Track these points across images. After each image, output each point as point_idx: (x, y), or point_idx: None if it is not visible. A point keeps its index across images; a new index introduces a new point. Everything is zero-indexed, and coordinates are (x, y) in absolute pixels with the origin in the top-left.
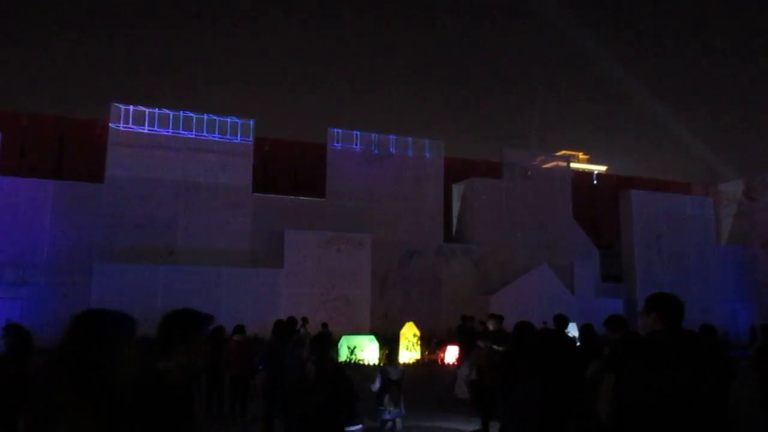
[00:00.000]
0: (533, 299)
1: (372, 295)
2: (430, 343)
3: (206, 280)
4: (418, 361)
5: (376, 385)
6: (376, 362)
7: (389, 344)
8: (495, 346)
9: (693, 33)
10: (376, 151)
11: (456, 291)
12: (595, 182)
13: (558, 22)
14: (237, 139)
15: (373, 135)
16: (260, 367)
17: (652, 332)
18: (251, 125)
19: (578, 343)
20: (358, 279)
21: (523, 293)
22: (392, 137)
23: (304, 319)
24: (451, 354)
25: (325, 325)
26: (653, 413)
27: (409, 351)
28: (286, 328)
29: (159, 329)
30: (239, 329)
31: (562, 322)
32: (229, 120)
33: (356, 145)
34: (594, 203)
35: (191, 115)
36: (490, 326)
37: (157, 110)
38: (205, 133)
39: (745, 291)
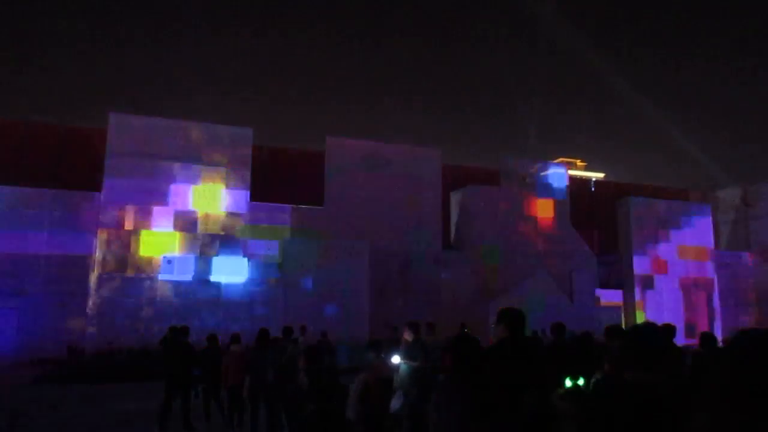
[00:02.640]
0: (531, 307)
1: (370, 303)
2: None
3: (204, 290)
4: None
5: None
6: None
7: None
8: (407, 361)
9: (690, 40)
10: (374, 159)
11: (454, 299)
12: (592, 189)
13: (555, 30)
14: (235, 148)
15: (371, 143)
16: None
17: (499, 339)
18: (249, 133)
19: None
20: (357, 287)
21: (521, 301)
22: (390, 145)
23: (303, 328)
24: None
25: (324, 334)
26: (497, 407)
27: None
28: (265, 336)
29: (635, 339)
30: (236, 339)
31: (560, 330)
32: (227, 128)
33: (354, 152)
34: (592, 210)
35: (189, 123)
36: (407, 336)
37: (154, 119)
38: (203, 142)
39: (743, 297)
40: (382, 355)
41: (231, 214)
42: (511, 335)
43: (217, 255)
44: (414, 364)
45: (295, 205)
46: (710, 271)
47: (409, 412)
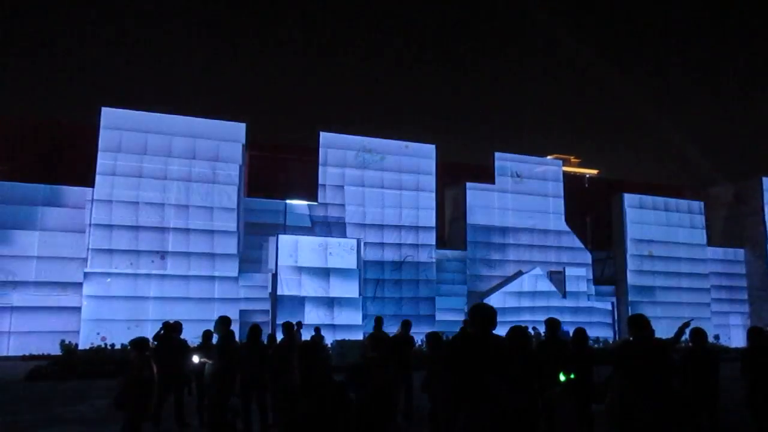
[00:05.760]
0: (525, 303)
1: (364, 300)
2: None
3: (198, 285)
4: None
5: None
6: None
7: None
8: (204, 360)
9: (684, 37)
10: (368, 155)
11: (448, 295)
12: (586, 185)
13: (551, 26)
14: (228, 143)
15: (365, 138)
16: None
17: (469, 335)
18: (243, 128)
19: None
20: (351, 283)
21: (515, 297)
22: (385, 141)
23: (298, 324)
24: None
25: (318, 330)
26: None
27: None
28: (256, 333)
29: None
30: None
31: (554, 326)
32: (220, 123)
33: (348, 148)
34: (586, 207)
35: (182, 118)
36: (216, 333)
37: (146, 114)
38: (196, 137)
39: (735, 294)
40: (146, 354)
41: (224, 209)
42: (477, 330)
43: (210, 251)
44: (209, 362)
45: (288, 201)
46: (703, 267)
47: (207, 410)
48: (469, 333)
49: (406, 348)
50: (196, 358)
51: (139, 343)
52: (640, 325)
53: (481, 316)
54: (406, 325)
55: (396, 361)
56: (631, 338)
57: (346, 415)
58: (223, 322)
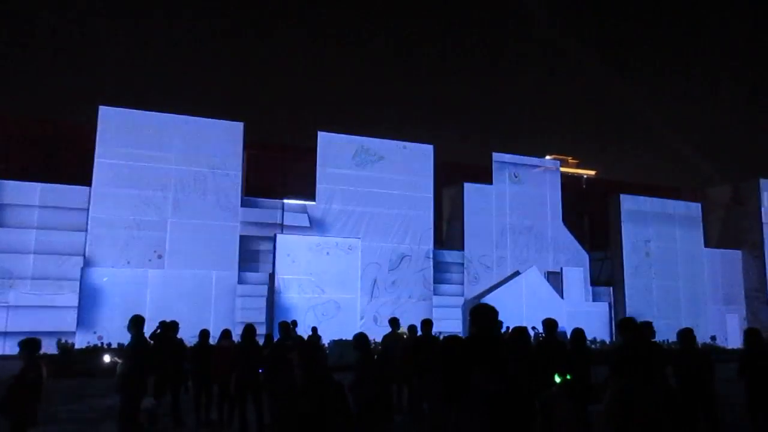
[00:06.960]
0: (522, 304)
1: (362, 300)
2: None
3: (195, 284)
4: None
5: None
6: None
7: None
8: (114, 358)
9: (681, 38)
10: (366, 155)
11: (446, 295)
12: (584, 186)
13: (550, 27)
14: (226, 142)
15: (363, 138)
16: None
17: (470, 335)
18: (241, 127)
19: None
20: (348, 283)
21: (513, 298)
22: (383, 141)
23: (293, 322)
24: None
25: (314, 330)
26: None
27: None
28: (252, 331)
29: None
30: (226, 334)
31: (552, 326)
32: (218, 123)
33: (346, 148)
34: (583, 207)
35: (180, 117)
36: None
37: (144, 113)
38: (194, 136)
39: (732, 295)
40: (36, 355)
41: (222, 208)
42: (478, 331)
43: (208, 250)
44: (120, 362)
45: (286, 200)
46: (700, 268)
47: (119, 411)
48: (471, 334)
49: (429, 350)
50: (107, 358)
51: (29, 343)
52: (627, 327)
53: (482, 316)
54: (427, 325)
55: (417, 363)
56: (622, 340)
57: (343, 413)
58: (136, 321)
